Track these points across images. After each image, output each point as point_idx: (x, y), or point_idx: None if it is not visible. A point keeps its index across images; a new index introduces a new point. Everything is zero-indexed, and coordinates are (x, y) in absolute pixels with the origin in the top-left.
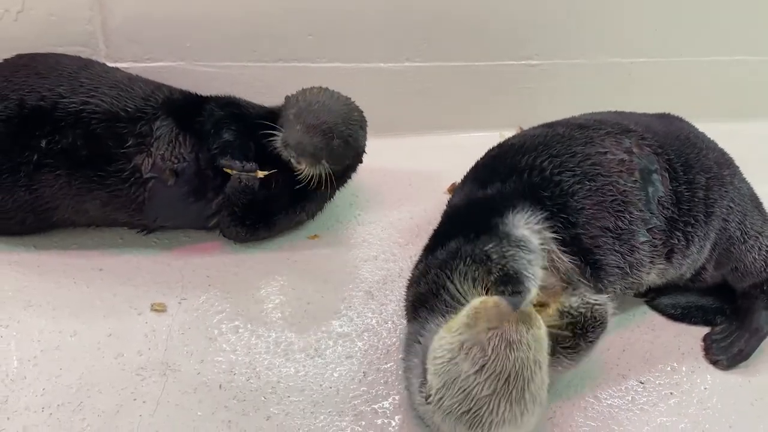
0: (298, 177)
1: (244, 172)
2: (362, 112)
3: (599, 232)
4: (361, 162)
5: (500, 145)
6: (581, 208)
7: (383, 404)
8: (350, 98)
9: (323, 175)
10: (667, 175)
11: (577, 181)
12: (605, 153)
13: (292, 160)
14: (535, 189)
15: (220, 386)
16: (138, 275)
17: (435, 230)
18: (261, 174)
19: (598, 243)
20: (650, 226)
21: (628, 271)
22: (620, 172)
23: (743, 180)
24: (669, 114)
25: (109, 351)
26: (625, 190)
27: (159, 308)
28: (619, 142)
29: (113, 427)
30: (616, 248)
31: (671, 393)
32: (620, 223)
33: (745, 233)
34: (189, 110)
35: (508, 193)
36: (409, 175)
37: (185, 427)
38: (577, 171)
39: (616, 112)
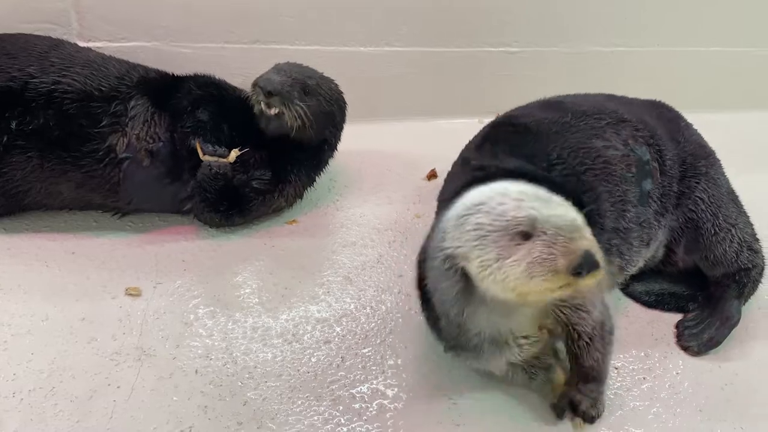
0: (278, 147)
1: (215, 156)
2: (342, 94)
3: (613, 234)
4: (336, 143)
5: (512, 124)
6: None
7: (361, 389)
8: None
9: (302, 117)
10: (657, 165)
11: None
12: (609, 148)
13: (264, 107)
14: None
15: (197, 371)
16: (112, 259)
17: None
18: (233, 157)
19: (611, 243)
20: (642, 220)
21: (625, 267)
22: (623, 169)
23: (721, 172)
24: (658, 102)
25: (82, 335)
26: (627, 189)
27: (134, 292)
28: (618, 134)
29: (86, 413)
30: (620, 249)
31: (644, 378)
32: (623, 223)
33: (717, 225)
34: (165, 89)
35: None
36: (388, 160)
37: (160, 413)
38: (597, 171)
39: (609, 96)
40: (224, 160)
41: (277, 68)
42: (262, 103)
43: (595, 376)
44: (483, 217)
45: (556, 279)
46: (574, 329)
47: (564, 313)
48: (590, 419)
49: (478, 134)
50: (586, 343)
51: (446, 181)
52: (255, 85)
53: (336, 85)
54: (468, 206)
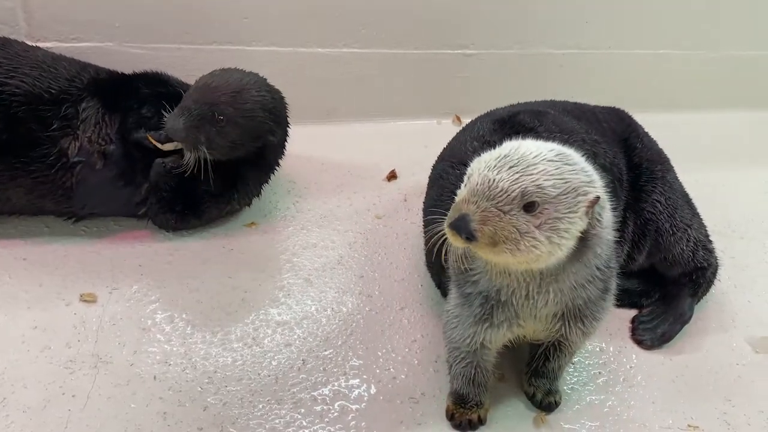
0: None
1: (158, 139)
2: (271, 91)
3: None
4: (281, 143)
5: (519, 124)
6: None
7: (322, 391)
8: (257, 78)
9: (201, 161)
10: (618, 185)
11: None
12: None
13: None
14: None
15: (155, 377)
16: (65, 265)
17: None
18: (168, 147)
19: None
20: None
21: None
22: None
23: (675, 177)
24: (617, 109)
25: (34, 344)
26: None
27: (89, 298)
28: (596, 155)
29: (40, 423)
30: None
31: (600, 372)
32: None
33: (675, 226)
34: (116, 90)
35: None
36: (348, 162)
37: (118, 421)
38: None
39: (575, 104)
40: (168, 145)
41: (183, 104)
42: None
43: (552, 378)
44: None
45: (450, 234)
46: (568, 343)
47: (570, 325)
48: (548, 406)
49: (472, 135)
50: (566, 354)
51: (431, 186)
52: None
53: (261, 88)
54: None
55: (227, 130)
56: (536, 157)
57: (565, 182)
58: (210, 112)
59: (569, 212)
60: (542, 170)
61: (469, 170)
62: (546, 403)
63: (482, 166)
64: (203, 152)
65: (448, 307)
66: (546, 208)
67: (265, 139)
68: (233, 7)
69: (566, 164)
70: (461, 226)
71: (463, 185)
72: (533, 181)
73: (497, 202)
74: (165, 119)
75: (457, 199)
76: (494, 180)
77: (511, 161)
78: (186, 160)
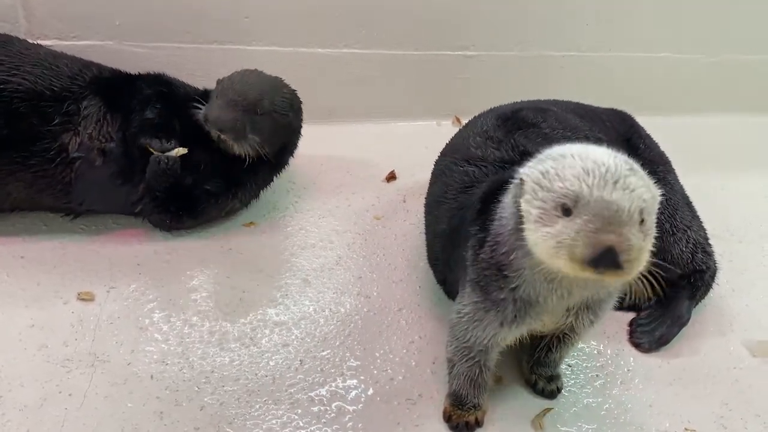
0: (233, 155)
1: (163, 149)
2: (295, 92)
3: None
4: (296, 145)
5: (523, 120)
6: None
7: (320, 391)
8: (282, 80)
9: (257, 150)
10: None
11: None
12: None
13: (222, 137)
14: None
15: (152, 377)
16: (63, 263)
17: None
18: (182, 151)
19: None
20: None
21: None
22: None
23: (676, 179)
24: (620, 111)
25: (31, 342)
26: None
27: (86, 297)
28: None
29: (37, 422)
30: None
31: (597, 375)
32: None
33: (674, 226)
34: (118, 89)
35: None
36: (347, 162)
37: (114, 420)
38: None
39: (577, 104)
40: (172, 154)
41: (226, 97)
42: (217, 135)
43: (554, 366)
44: (551, 169)
45: (575, 266)
46: (574, 334)
47: (581, 318)
48: (550, 394)
49: (476, 130)
50: (570, 345)
51: (434, 182)
52: (206, 120)
53: (287, 88)
54: (554, 152)
55: (263, 124)
56: (622, 168)
57: (652, 191)
58: (252, 105)
59: (654, 219)
60: (635, 182)
61: (570, 191)
62: (548, 391)
63: (586, 189)
64: (252, 140)
65: (462, 308)
66: (648, 220)
67: (289, 139)
68: (234, 7)
69: (637, 169)
70: (613, 261)
71: (557, 210)
72: (639, 196)
73: (628, 226)
74: (202, 113)
75: (575, 228)
76: (615, 202)
77: (611, 177)
78: (237, 151)
